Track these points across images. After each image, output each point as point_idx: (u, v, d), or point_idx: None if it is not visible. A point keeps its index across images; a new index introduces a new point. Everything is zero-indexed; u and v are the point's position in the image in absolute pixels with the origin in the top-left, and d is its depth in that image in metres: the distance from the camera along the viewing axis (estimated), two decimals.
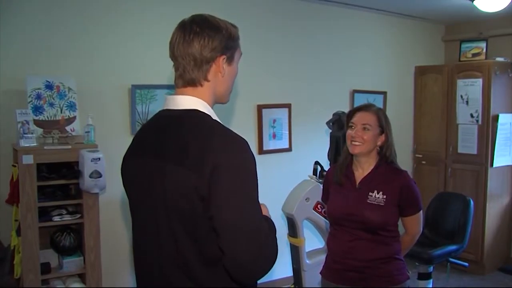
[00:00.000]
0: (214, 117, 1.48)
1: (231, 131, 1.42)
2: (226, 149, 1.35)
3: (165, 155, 1.40)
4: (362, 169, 2.48)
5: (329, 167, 3.82)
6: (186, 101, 1.48)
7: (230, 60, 1.51)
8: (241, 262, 1.32)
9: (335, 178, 2.54)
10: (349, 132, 2.48)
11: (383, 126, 2.46)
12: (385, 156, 2.45)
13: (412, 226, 2.48)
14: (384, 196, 2.37)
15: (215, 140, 1.36)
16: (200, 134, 1.38)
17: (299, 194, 3.72)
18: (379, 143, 2.46)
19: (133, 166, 1.54)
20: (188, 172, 1.33)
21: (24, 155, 3.06)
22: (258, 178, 1.40)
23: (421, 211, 2.47)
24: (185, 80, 1.49)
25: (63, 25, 3.57)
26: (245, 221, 1.32)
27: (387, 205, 2.36)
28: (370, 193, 2.40)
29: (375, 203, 2.37)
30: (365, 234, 2.36)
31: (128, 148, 1.60)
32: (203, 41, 1.45)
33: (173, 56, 1.52)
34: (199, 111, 1.46)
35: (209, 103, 1.50)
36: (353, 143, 2.44)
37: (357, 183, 2.47)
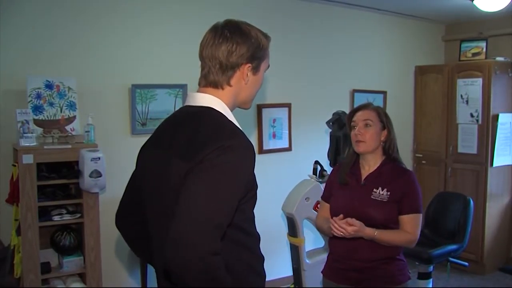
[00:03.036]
0: (230, 117, 1.50)
1: (240, 131, 1.43)
2: (223, 144, 1.35)
3: (172, 148, 1.44)
4: (369, 166, 2.49)
5: (329, 166, 3.83)
6: (204, 99, 1.51)
7: (255, 69, 1.54)
8: (172, 235, 1.27)
9: (340, 179, 2.54)
10: (352, 132, 2.49)
11: (384, 121, 2.47)
12: (388, 151, 2.46)
13: (411, 228, 2.37)
14: (388, 193, 2.37)
15: (217, 136, 1.37)
16: (207, 130, 1.40)
17: (299, 194, 3.72)
18: (382, 138, 2.47)
19: (146, 157, 1.59)
20: (183, 163, 1.36)
21: (24, 155, 3.06)
22: (254, 184, 1.40)
23: (420, 215, 2.42)
24: (208, 81, 1.52)
25: (63, 25, 3.58)
26: (199, 208, 1.28)
27: (390, 202, 2.36)
28: (375, 190, 2.40)
29: (379, 199, 2.37)
30: None
31: (147, 140, 1.64)
32: (231, 47, 1.47)
33: (201, 56, 1.54)
34: (214, 109, 1.48)
35: (227, 104, 1.52)
36: (358, 141, 2.45)
37: (363, 179, 2.47)
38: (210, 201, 1.30)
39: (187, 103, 1.55)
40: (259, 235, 1.54)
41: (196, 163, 1.33)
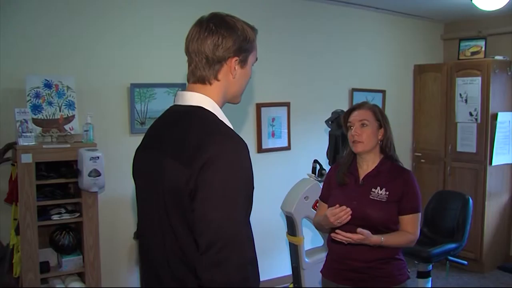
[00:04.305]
0: (220, 116, 1.48)
1: (232, 131, 1.42)
2: (222, 147, 1.34)
3: (164, 149, 1.43)
4: (367, 165, 2.48)
5: (328, 165, 3.83)
6: (193, 98, 1.49)
7: (243, 62, 1.51)
8: (209, 256, 1.29)
9: (338, 179, 2.53)
10: (349, 133, 2.49)
11: (380, 120, 2.47)
12: (385, 150, 2.46)
13: (412, 228, 2.39)
14: (387, 193, 2.37)
15: (213, 138, 1.36)
16: (199, 131, 1.39)
17: (298, 193, 3.72)
18: (380, 137, 2.46)
19: (139, 159, 1.59)
20: (182, 167, 1.34)
21: (23, 154, 3.06)
22: (254, 180, 1.38)
23: (419, 214, 2.43)
24: (196, 76, 1.50)
25: (63, 24, 3.57)
26: (222, 221, 1.30)
27: (389, 202, 2.36)
28: (373, 189, 2.39)
29: (377, 199, 2.37)
30: None
31: (140, 142, 1.64)
32: (217, 40, 1.45)
33: (187, 51, 1.52)
34: (204, 108, 1.47)
35: (217, 101, 1.50)
36: (355, 141, 2.44)
37: (361, 179, 2.47)
38: (233, 213, 1.31)
39: (176, 102, 1.54)
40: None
41: (198, 171, 1.31)
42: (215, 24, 1.46)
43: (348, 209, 2.29)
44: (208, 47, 1.45)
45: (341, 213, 2.29)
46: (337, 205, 2.33)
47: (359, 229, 2.27)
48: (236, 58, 1.48)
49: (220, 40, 1.45)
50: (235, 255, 1.29)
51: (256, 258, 1.39)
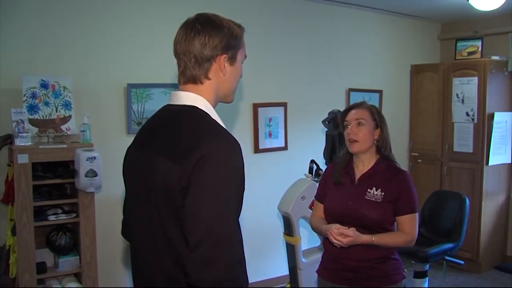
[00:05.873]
0: (213, 115, 1.49)
1: (225, 131, 1.43)
2: (215, 146, 1.34)
3: (157, 148, 1.44)
4: (363, 165, 2.49)
5: (325, 165, 3.83)
6: (187, 97, 1.49)
7: (232, 60, 1.52)
8: (198, 254, 1.30)
9: (335, 178, 2.53)
10: (346, 131, 2.49)
11: (377, 119, 2.47)
12: (381, 150, 2.46)
13: (409, 228, 2.39)
14: (382, 193, 2.37)
15: (206, 137, 1.36)
16: (192, 130, 1.40)
17: (295, 193, 3.72)
18: (376, 136, 2.46)
19: (130, 157, 1.59)
20: (174, 165, 1.34)
21: (19, 154, 3.05)
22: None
23: (416, 214, 2.43)
24: (187, 77, 1.50)
25: (60, 24, 3.57)
26: (213, 219, 1.30)
27: (385, 202, 2.36)
28: (369, 190, 2.40)
29: (373, 199, 2.37)
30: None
31: (132, 141, 1.63)
32: (204, 39, 1.46)
33: (176, 53, 1.53)
34: (197, 107, 1.47)
35: (210, 101, 1.51)
36: (351, 140, 2.45)
37: (357, 179, 2.47)
38: (224, 212, 1.32)
39: (169, 102, 1.54)
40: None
41: (190, 169, 1.31)
42: (201, 24, 1.48)
43: (347, 231, 2.30)
44: (195, 47, 1.46)
45: (340, 238, 2.30)
46: (348, 227, 2.33)
47: (345, 231, 2.29)
48: (224, 55, 1.49)
49: (207, 39, 1.46)
50: (225, 254, 1.30)
51: (245, 258, 1.40)
